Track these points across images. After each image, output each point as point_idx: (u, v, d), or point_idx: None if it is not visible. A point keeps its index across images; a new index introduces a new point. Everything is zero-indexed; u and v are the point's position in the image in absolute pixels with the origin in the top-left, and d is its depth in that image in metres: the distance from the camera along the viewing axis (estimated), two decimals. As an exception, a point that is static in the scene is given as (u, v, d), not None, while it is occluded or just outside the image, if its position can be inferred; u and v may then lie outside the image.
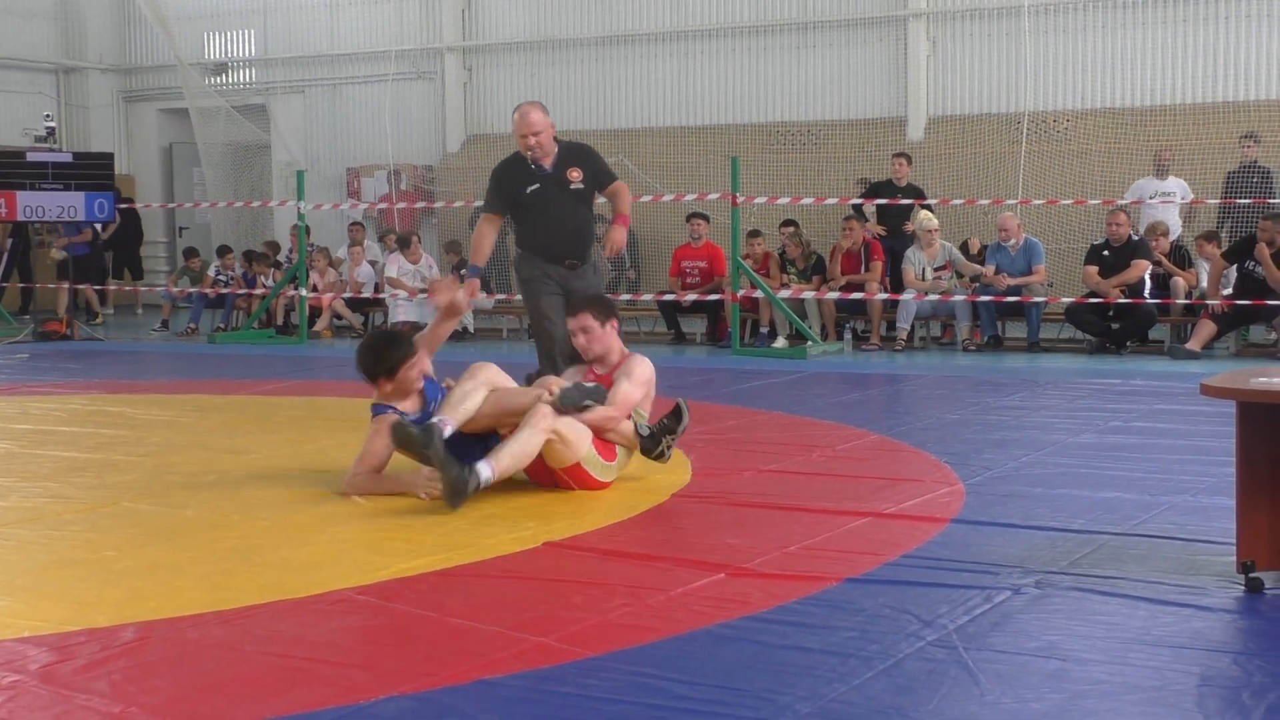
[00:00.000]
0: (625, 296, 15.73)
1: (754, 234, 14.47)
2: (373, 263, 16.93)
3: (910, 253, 14.17)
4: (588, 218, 7.80)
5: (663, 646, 3.91)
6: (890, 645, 3.87)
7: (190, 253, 18.55)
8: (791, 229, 14.67)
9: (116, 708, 3.41)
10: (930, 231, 13.95)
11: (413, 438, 5.74)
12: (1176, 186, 14.30)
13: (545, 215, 7.64)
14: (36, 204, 15.42)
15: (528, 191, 7.61)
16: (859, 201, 14.48)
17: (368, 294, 16.19)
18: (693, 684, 3.57)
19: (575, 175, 7.63)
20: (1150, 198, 14.05)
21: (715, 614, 4.20)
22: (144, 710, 3.39)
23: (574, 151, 7.75)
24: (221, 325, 16.50)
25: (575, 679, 3.62)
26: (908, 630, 4.01)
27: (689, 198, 14.86)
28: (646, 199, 15.21)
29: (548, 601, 4.40)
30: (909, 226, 14.39)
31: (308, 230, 15.53)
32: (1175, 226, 14.03)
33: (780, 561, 4.84)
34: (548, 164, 7.60)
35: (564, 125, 18.98)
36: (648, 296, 15.07)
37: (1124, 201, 14.09)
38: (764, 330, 14.21)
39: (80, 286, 16.80)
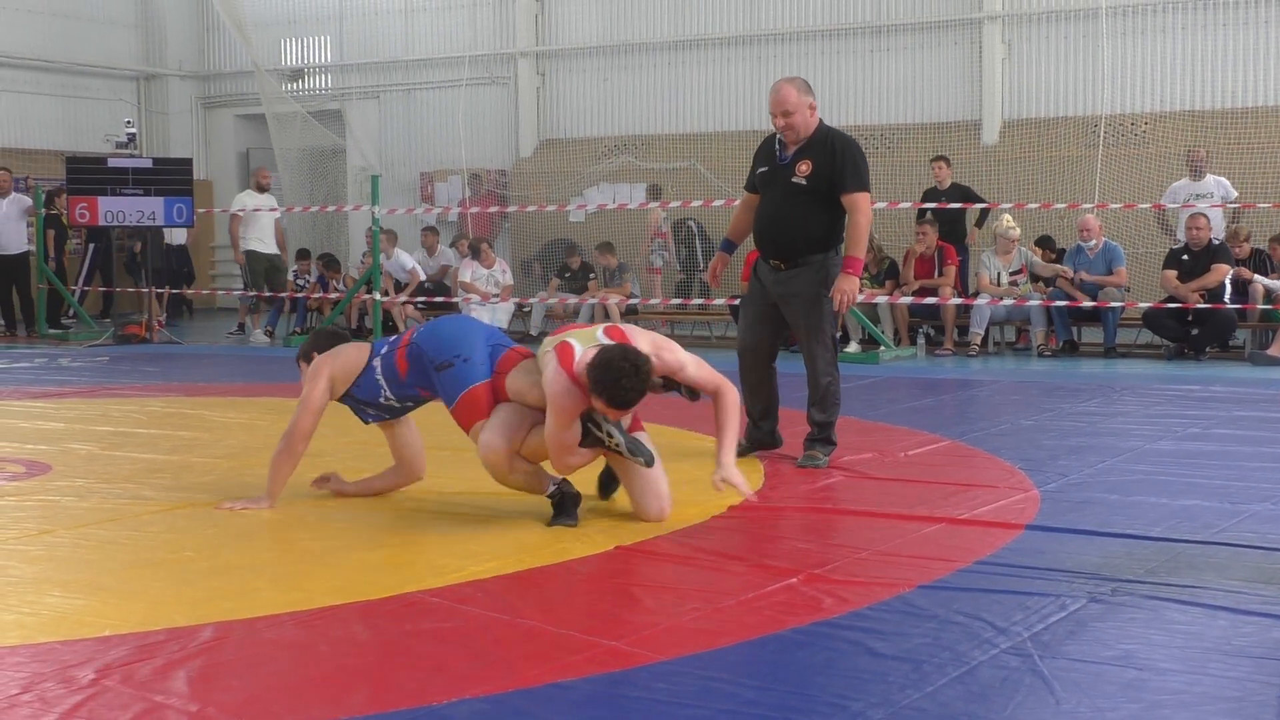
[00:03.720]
0: (697, 300, 15.73)
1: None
2: (446, 266, 17.07)
3: (985, 257, 14.07)
4: (809, 217, 6.90)
5: (735, 651, 3.90)
6: (963, 652, 3.84)
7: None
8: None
9: (194, 706, 3.45)
10: (1011, 240, 13.86)
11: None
12: (1215, 186, 13.95)
13: (765, 204, 7.06)
14: (117, 209, 15.66)
15: (758, 173, 7.15)
16: (932, 205, 14.38)
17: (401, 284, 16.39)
18: (765, 689, 3.56)
19: (803, 168, 6.86)
20: (1186, 200, 13.71)
21: (787, 619, 4.19)
22: (221, 710, 3.43)
23: (823, 144, 6.89)
24: (297, 329, 16.67)
25: (647, 683, 3.62)
26: (981, 637, 3.98)
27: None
28: (719, 203, 15.20)
29: (620, 605, 4.40)
30: (971, 236, 14.38)
31: (382, 233, 15.64)
32: (1217, 228, 13.65)
33: (853, 567, 4.82)
34: (790, 150, 6.95)
35: (636, 129, 19.09)
36: (719, 300, 15.04)
37: (1165, 206, 13.88)
38: (836, 335, 14.13)
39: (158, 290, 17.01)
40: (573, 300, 15.64)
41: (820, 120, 7.01)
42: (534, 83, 20.08)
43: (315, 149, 20.05)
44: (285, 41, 21.96)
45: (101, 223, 15.91)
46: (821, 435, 7.10)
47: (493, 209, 18.28)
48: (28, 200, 17.31)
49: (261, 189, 16.74)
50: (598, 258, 16.17)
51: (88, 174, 15.77)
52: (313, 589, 4.61)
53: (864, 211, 6.81)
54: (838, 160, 6.82)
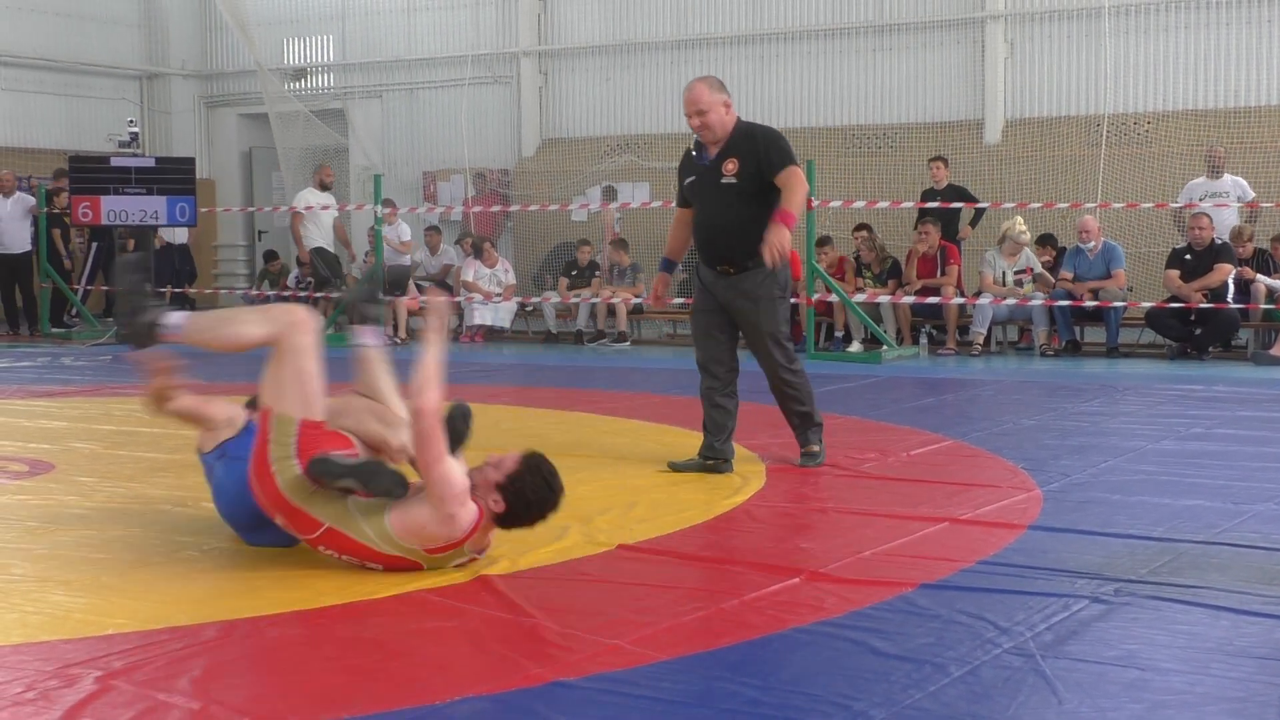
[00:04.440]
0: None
1: (823, 241, 14.38)
2: (449, 265, 17.08)
3: (990, 256, 14.07)
4: (746, 216, 6.62)
5: (736, 651, 3.91)
6: (966, 652, 3.84)
7: (270, 256, 18.78)
8: (865, 233, 14.61)
9: (197, 704, 3.45)
10: (1021, 244, 13.89)
11: None
12: (1232, 186, 13.95)
13: (700, 212, 6.83)
14: (120, 208, 15.68)
15: (686, 184, 6.93)
16: (934, 205, 14.38)
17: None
18: (767, 689, 3.56)
19: (730, 167, 6.64)
20: (1201, 199, 13.73)
21: (789, 619, 4.19)
22: (225, 708, 3.43)
23: (745, 137, 6.68)
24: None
25: (649, 682, 3.62)
26: (984, 637, 3.98)
27: (764, 201, 14.83)
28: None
29: (622, 604, 4.40)
30: (964, 233, 14.41)
31: (386, 205, 15.63)
32: (1229, 228, 13.66)
33: (855, 567, 4.82)
34: (712, 152, 6.74)
35: (639, 128, 19.09)
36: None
37: (1177, 204, 13.89)
38: (839, 335, 14.16)
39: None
40: (578, 299, 15.64)
41: (738, 117, 6.81)
42: (536, 82, 20.08)
43: (318, 148, 20.05)
44: (288, 41, 21.96)
45: (104, 222, 15.92)
46: (805, 424, 6.97)
47: (495, 208, 18.29)
48: (31, 199, 17.33)
49: (324, 187, 16.55)
50: (610, 254, 16.15)
51: (91, 173, 15.79)
52: (316, 588, 4.61)
53: (798, 178, 6.55)
54: (760, 149, 6.61)
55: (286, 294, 16.98)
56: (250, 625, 4.17)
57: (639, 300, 15.37)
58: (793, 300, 13.81)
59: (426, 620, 4.23)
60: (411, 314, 16.17)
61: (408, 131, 21.03)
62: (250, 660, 3.86)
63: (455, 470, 4.60)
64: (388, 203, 16.27)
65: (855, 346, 13.70)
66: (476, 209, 18.32)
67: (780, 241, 6.33)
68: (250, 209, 20.91)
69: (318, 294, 16.03)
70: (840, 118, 18.05)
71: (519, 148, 20.12)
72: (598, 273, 16.22)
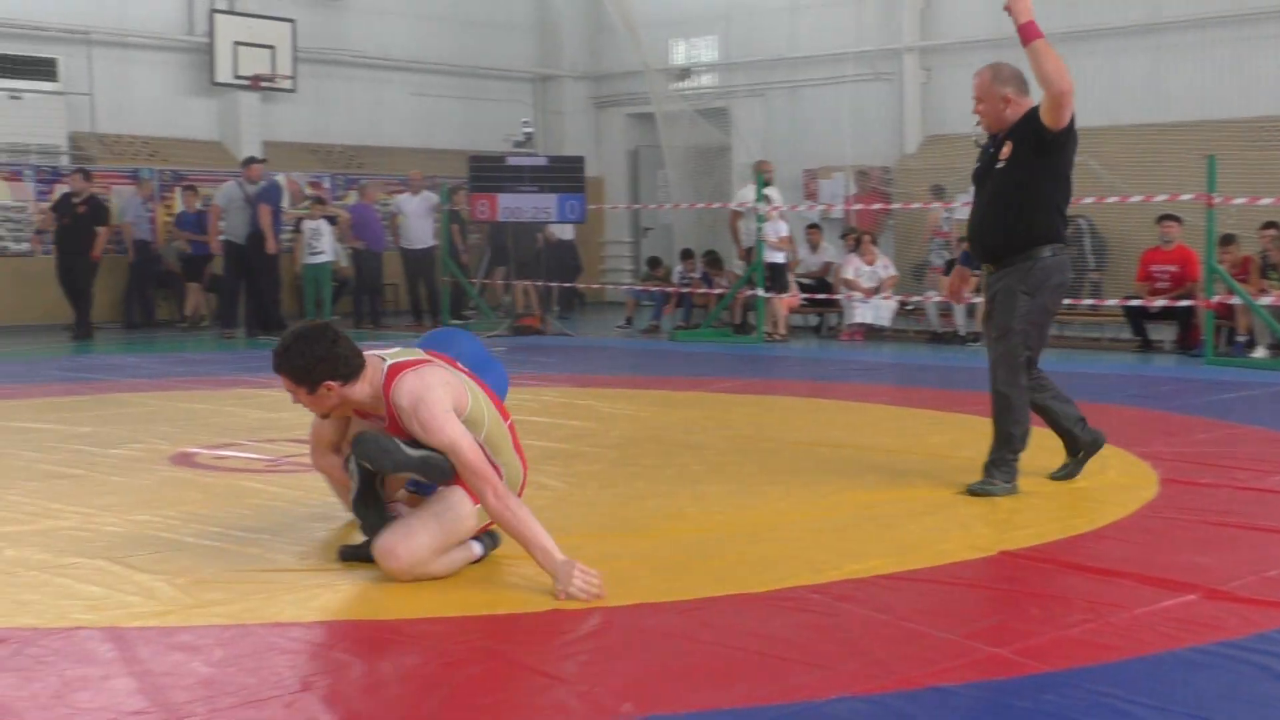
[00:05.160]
0: (1088, 301, 15.17)
1: (1226, 240, 13.63)
2: (829, 263, 17.07)
3: None
4: (1014, 205, 6.12)
5: (1127, 667, 3.73)
6: (1385, 684, 3.56)
7: (654, 263, 19.22)
8: (1274, 231, 13.76)
9: (583, 687, 3.56)
10: None
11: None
12: None
13: (974, 202, 6.42)
14: (515, 205, 16.38)
15: (973, 172, 6.51)
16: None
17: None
18: (1162, 710, 3.38)
19: (1005, 151, 6.16)
20: None
21: (1185, 637, 3.98)
22: (608, 692, 3.52)
23: (1024, 124, 6.15)
24: (682, 323, 17.02)
25: (1032, 694, 3.51)
26: (1405, 669, 3.67)
27: (1159, 199, 14.16)
28: (1113, 200, 14.62)
29: (1003, 612, 4.29)
30: None
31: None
32: None
33: (1258, 586, 4.53)
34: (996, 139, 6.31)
35: (1026, 124, 18.53)
36: (1112, 301, 14.48)
37: None
38: (1241, 339, 13.37)
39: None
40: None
41: (1034, 109, 6.15)
42: (919, 78, 19.82)
43: (701, 147, 20.37)
44: (673, 41, 22.41)
45: (500, 218, 16.66)
46: (999, 455, 6.23)
47: (876, 206, 18.15)
48: (434, 198, 18.33)
49: (766, 183, 16.29)
50: None
51: (488, 172, 16.56)
52: (693, 580, 4.68)
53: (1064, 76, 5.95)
54: (1026, 128, 6.08)
55: (669, 290, 17.32)
56: (630, 613, 4.26)
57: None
58: (1190, 302, 13.26)
59: (802, 616, 4.23)
60: (791, 311, 16.23)
61: (789, 129, 21.12)
62: (630, 648, 3.94)
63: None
64: (768, 199, 16.35)
65: (1260, 352, 12.92)
66: (857, 206, 18.23)
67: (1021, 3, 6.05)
68: (636, 206, 21.46)
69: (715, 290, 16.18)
70: (1245, 109, 17.05)
71: (901, 144, 19.90)
72: (977, 271, 15.85)
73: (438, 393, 4.66)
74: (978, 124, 6.36)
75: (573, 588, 4.38)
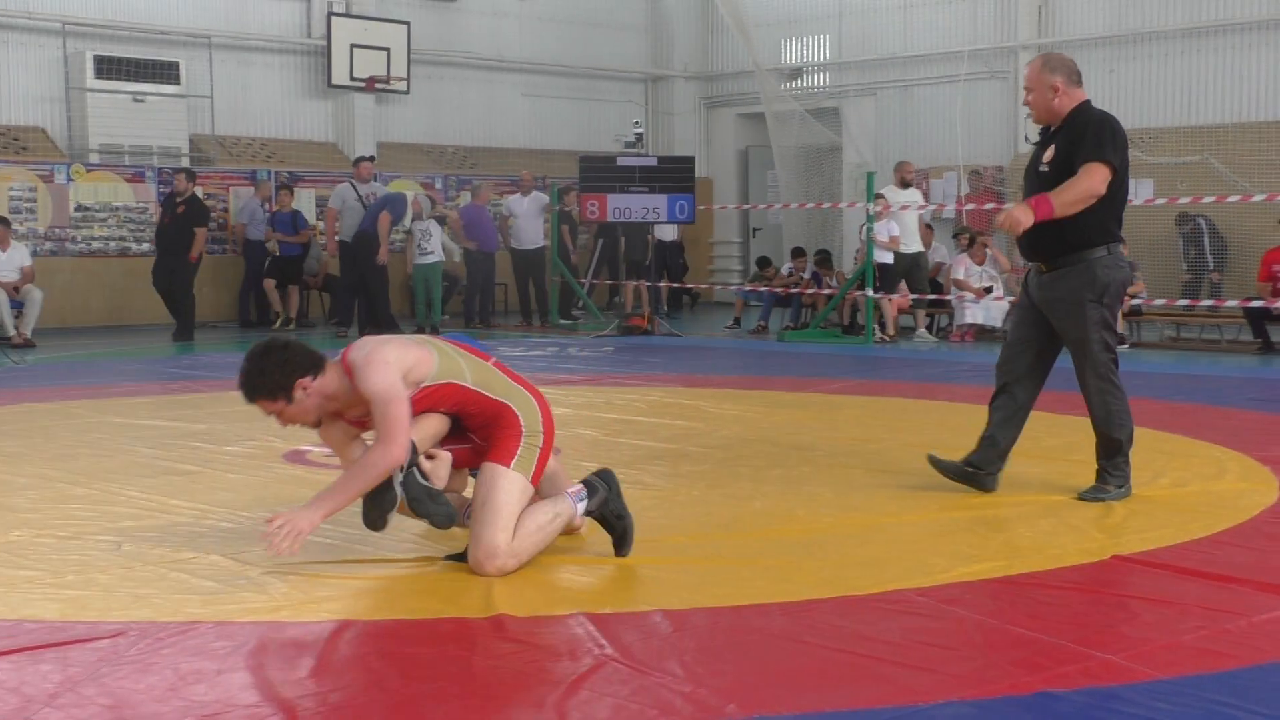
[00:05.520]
0: (1206, 302, 14.87)
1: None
2: (940, 264, 16.91)
3: None
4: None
5: (1242, 676, 3.66)
6: None
7: (763, 263, 19.17)
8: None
9: (688, 687, 3.56)
10: None
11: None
12: None
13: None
14: (624, 205, 16.44)
15: (1025, 172, 6.39)
16: None
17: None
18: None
19: (1048, 154, 6.05)
20: None
21: (1304, 646, 3.89)
22: (712, 692, 3.52)
23: (1073, 124, 6.01)
24: (790, 324, 16.97)
25: (1144, 700, 3.45)
26: None
27: (1283, 197, 13.87)
28: (1234, 199, 14.33)
29: (1115, 617, 4.22)
30: None
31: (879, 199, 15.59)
32: None
33: (1381, 594, 4.41)
34: (1044, 135, 6.22)
35: (1143, 122, 18.25)
36: (1232, 302, 14.18)
37: None
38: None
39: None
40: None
41: (1085, 102, 6.06)
42: (1035, 76, 19.54)
43: (812, 146, 20.30)
44: (785, 41, 22.35)
45: (609, 219, 16.73)
46: (1109, 462, 6.09)
47: (989, 206, 17.94)
48: (545, 198, 18.44)
49: (905, 184, 16.18)
50: None
51: (599, 172, 16.63)
52: (801, 580, 4.66)
53: (1091, 176, 5.80)
54: (1078, 135, 5.93)
55: (778, 290, 17.27)
56: (736, 613, 4.26)
57: (1137, 301, 14.70)
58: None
59: (910, 619, 4.20)
60: (901, 312, 16.10)
61: (900, 129, 20.96)
62: (736, 648, 3.94)
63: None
64: (879, 198, 16.25)
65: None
66: (969, 206, 18.04)
67: (1012, 218, 5.84)
68: (745, 206, 21.43)
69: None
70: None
71: (1015, 144, 19.66)
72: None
73: (389, 349, 4.74)
74: (1028, 116, 6.18)
75: (276, 537, 4.51)
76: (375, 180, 16.85)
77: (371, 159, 17.36)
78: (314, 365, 4.73)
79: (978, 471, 6.22)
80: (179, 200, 15.90)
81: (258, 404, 4.74)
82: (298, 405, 4.73)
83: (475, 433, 4.99)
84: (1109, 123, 5.99)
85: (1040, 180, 6.03)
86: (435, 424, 4.95)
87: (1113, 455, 6.10)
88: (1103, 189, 5.83)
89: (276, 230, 17.93)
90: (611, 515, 5.02)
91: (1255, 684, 3.59)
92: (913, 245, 16.05)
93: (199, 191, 16.67)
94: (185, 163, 18.16)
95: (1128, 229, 16.26)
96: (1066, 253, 6.00)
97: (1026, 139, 5.76)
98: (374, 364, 4.68)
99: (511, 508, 4.75)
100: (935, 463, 6.34)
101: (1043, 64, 6.12)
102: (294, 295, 18.00)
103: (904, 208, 15.85)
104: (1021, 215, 5.82)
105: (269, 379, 4.68)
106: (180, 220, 15.81)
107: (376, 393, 4.63)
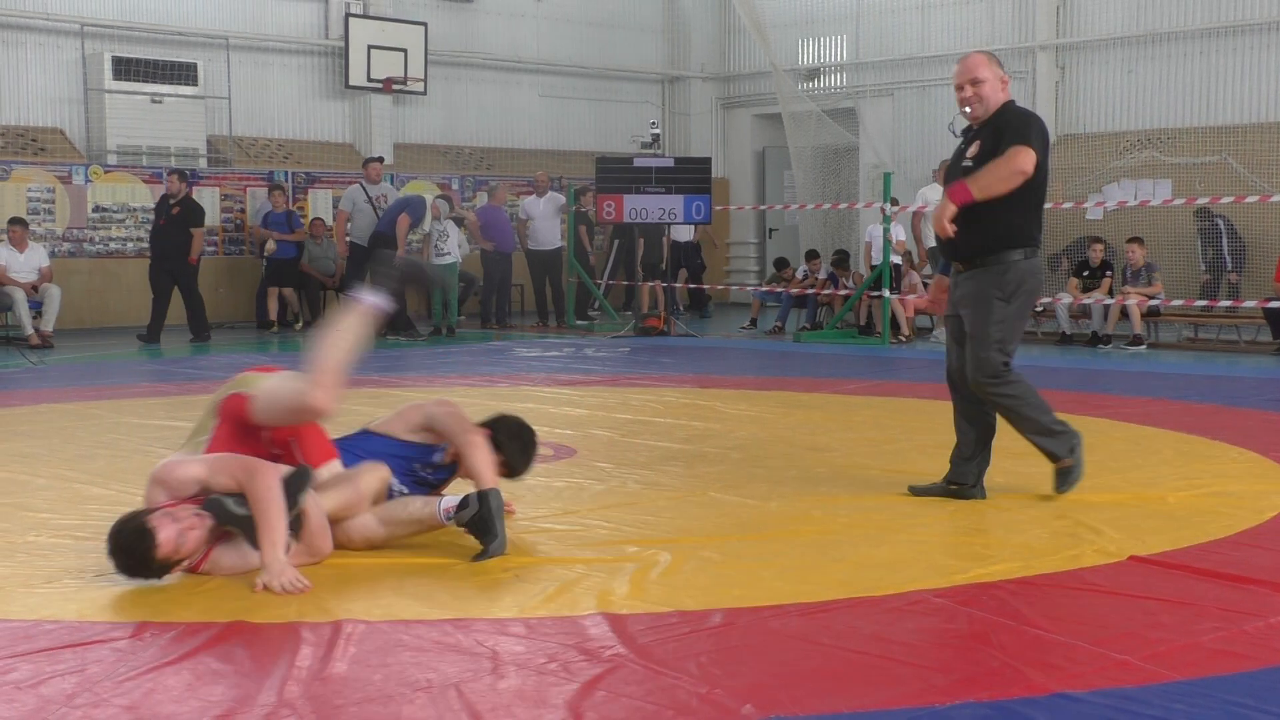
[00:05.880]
0: (1224, 302, 14.82)
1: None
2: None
3: None
4: (983, 205, 5.84)
5: (1261, 677, 3.65)
6: None
7: (780, 264, 19.17)
8: None
9: (704, 688, 3.57)
10: None
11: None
12: None
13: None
14: (641, 206, 16.43)
15: (947, 169, 6.35)
16: None
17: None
18: (1294, 721, 3.31)
19: (973, 150, 5.99)
20: None
21: (1322, 647, 3.88)
22: (728, 693, 3.53)
23: (997, 119, 5.96)
24: (806, 325, 16.95)
25: (1161, 702, 3.44)
26: None
27: (1301, 198, 13.82)
28: (1253, 199, 14.28)
29: (1132, 618, 4.21)
30: None
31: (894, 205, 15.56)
32: None
33: (1401, 596, 4.40)
34: (972, 131, 6.15)
35: (1162, 122, 18.21)
36: (1251, 303, 14.13)
37: None
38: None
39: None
40: (1088, 300, 15.08)
41: (1011, 102, 6.05)
42: (1053, 76, 19.52)
43: (828, 147, 20.27)
44: (802, 41, 22.33)
45: (626, 219, 16.73)
46: (1041, 436, 6.05)
47: (912, 208, 17.89)
48: (561, 199, 18.45)
49: None
50: (1126, 253, 15.46)
51: (615, 173, 16.63)
52: (817, 581, 4.66)
53: (1017, 156, 5.72)
54: (1001, 128, 5.88)
55: (794, 291, 17.25)
56: (753, 614, 4.26)
57: (1155, 302, 14.66)
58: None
59: (926, 620, 4.20)
60: (919, 311, 16.08)
61: (918, 129, 20.93)
62: (753, 649, 3.94)
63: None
64: (895, 201, 16.23)
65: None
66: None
67: (937, 218, 5.83)
68: (762, 207, 21.41)
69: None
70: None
71: (1032, 144, 19.58)
72: (1109, 272, 15.56)
73: (173, 464, 4.81)
74: (965, 110, 6.10)
75: (288, 590, 4.49)
76: (387, 181, 16.82)
77: (381, 160, 17.37)
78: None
79: (962, 486, 6.17)
80: (173, 202, 15.69)
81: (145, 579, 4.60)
82: (185, 543, 4.58)
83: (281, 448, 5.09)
84: (1034, 117, 6.00)
85: (963, 173, 5.97)
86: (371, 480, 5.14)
87: (1046, 440, 6.04)
88: (1029, 168, 5.75)
89: (270, 230, 17.69)
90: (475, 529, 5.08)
91: (1273, 685, 3.58)
92: None
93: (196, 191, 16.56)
94: (202, 164, 18.22)
95: (1146, 229, 16.27)
96: (984, 254, 5.96)
97: (951, 129, 5.69)
98: (183, 474, 4.76)
99: (352, 503, 5.01)
100: (918, 491, 6.25)
101: (988, 58, 6.10)
102: (292, 297, 17.81)
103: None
104: (942, 210, 5.81)
105: (144, 558, 4.54)
106: (175, 222, 15.61)
107: (230, 472, 4.74)
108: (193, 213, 15.87)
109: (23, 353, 13.68)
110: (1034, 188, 5.90)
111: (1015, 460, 6.94)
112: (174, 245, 15.65)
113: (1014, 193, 5.82)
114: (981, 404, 6.16)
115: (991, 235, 5.92)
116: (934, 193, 15.67)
